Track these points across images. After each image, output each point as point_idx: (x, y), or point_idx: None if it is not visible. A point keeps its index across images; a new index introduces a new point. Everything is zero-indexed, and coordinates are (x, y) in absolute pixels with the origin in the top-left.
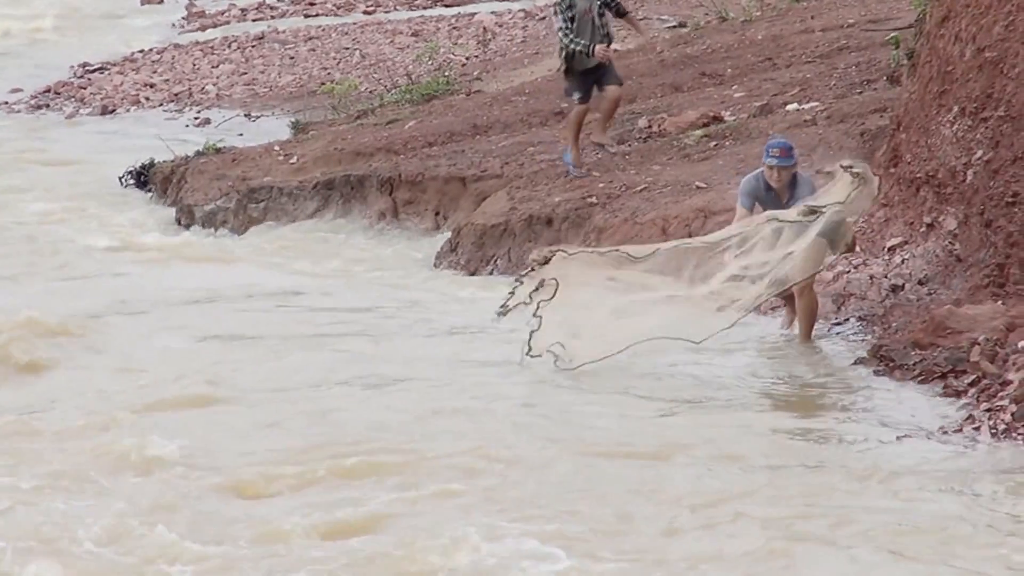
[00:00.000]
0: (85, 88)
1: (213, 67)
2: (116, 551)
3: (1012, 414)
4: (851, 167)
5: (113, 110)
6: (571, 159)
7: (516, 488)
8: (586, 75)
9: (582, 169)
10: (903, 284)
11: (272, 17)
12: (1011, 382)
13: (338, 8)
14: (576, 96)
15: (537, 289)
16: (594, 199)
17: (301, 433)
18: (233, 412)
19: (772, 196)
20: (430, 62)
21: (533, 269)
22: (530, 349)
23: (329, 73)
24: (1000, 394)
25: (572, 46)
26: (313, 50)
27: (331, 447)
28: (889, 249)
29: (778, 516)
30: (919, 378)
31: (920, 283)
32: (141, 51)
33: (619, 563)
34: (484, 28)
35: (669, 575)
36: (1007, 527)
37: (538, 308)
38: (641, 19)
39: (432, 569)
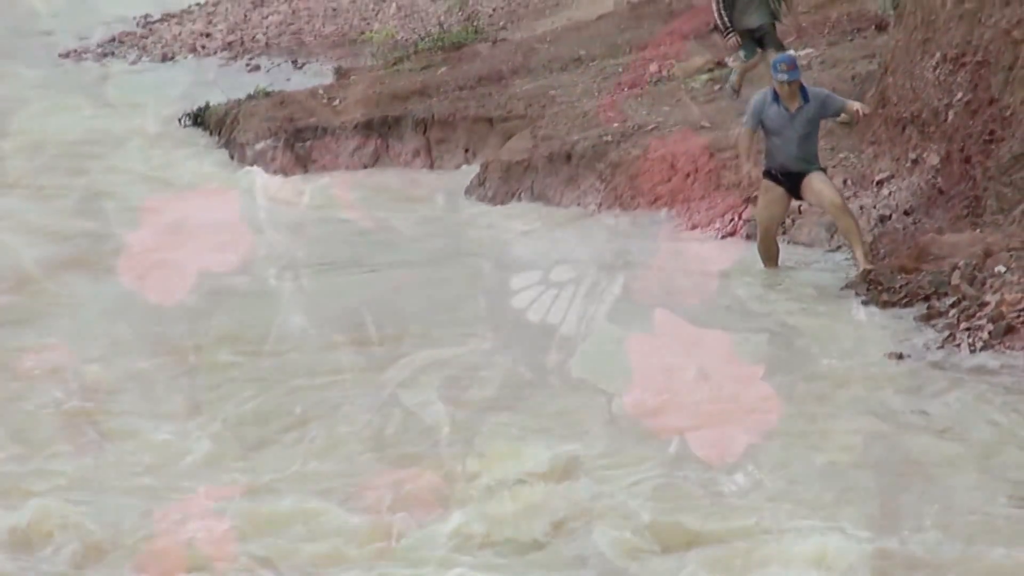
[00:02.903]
0: (147, 37)
1: (263, 18)
2: None
3: (989, 332)
4: None
5: (172, 57)
6: (733, 80)
7: None
8: (751, 32)
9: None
10: (890, 214)
11: None
12: (988, 303)
13: None
14: (743, 53)
15: None
16: (609, 138)
17: None
18: None
19: (780, 108)
20: (460, 13)
21: None
22: None
23: (368, 23)
24: (978, 314)
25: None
26: (353, 1)
27: None
28: (877, 183)
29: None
30: (904, 300)
31: (906, 213)
32: (198, 3)
33: None
34: None
35: None
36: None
37: None
38: None
39: None
